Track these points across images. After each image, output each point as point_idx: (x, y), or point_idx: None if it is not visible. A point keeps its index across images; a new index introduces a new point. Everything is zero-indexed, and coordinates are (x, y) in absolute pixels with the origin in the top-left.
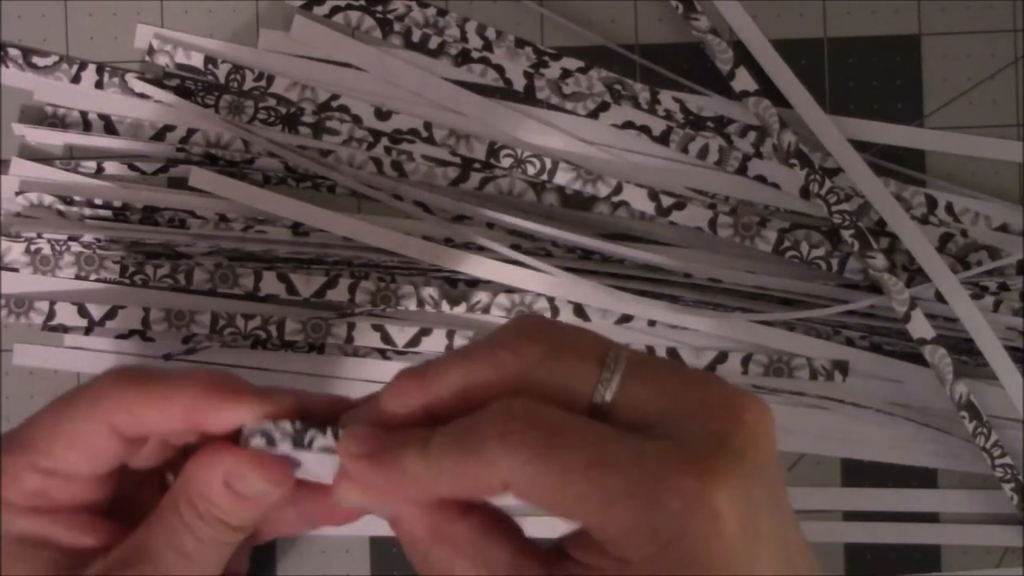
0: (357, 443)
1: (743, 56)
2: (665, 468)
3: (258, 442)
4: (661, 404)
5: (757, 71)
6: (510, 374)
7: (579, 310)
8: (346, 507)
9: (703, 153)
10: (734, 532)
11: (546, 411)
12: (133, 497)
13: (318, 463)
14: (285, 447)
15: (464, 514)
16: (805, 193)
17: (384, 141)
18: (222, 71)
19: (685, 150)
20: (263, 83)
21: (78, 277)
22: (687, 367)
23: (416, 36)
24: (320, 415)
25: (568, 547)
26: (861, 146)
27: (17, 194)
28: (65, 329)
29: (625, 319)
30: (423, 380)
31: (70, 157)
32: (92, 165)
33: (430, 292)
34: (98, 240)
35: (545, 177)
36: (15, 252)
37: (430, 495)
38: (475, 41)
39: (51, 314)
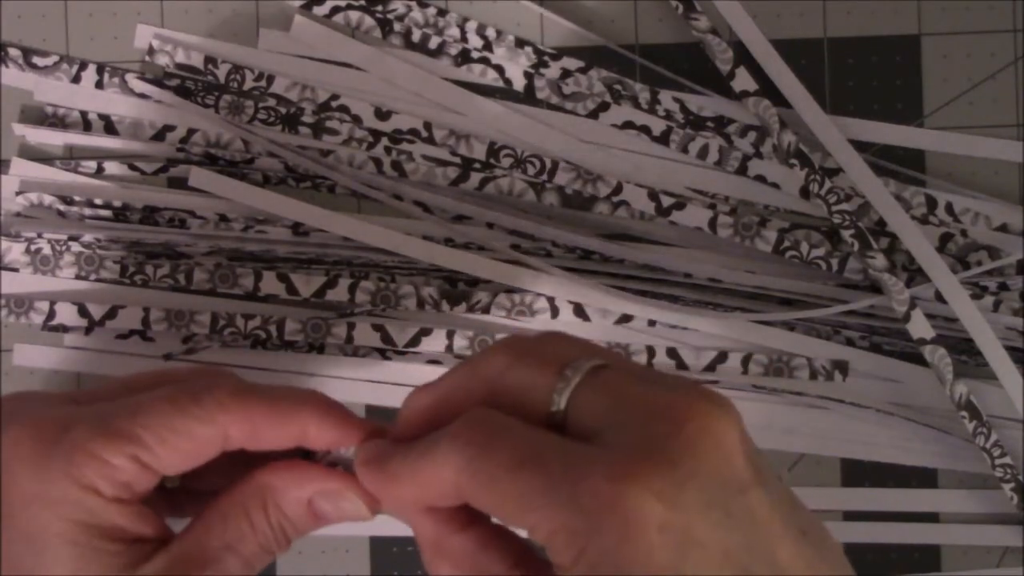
0: (363, 451)
1: (743, 56)
2: (586, 471)
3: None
4: (611, 412)
5: (757, 71)
6: (483, 383)
7: (579, 310)
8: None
9: (703, 153)
10: (651, 536)
11: (496, 416)
12: None
13: None
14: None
15: (464, 527)
16: (805, 193)
17: (384, 141)
18: (222, 71)
19: (685, 150)
20: (263, 83)
21: (78, 277)
22: (669, 377)
23: (416, 36)
24: None
25: None
26: (861, 146)
27: (17, 194)
28: (65, 329)
29: (625, 319)
30: (427, 389)
31: (70, 157)
32: (92, 165)
33: (430, 292)
34: (98, 240)
35: (545, 177)
36: (15, 252)
37: (414, 498)
38: (475, 41)
39: (51, 314)
